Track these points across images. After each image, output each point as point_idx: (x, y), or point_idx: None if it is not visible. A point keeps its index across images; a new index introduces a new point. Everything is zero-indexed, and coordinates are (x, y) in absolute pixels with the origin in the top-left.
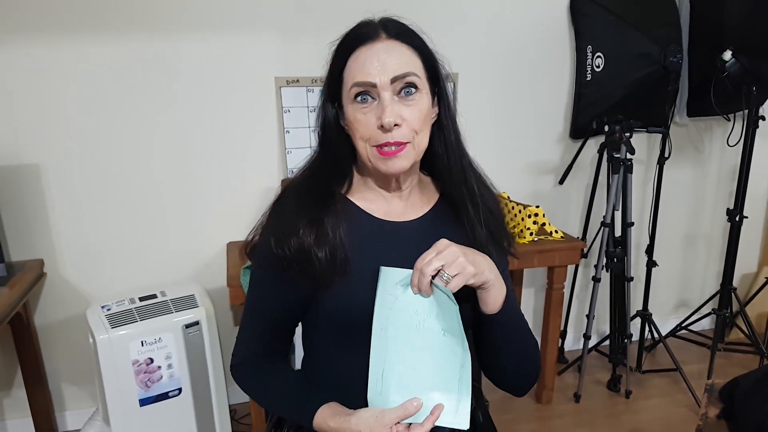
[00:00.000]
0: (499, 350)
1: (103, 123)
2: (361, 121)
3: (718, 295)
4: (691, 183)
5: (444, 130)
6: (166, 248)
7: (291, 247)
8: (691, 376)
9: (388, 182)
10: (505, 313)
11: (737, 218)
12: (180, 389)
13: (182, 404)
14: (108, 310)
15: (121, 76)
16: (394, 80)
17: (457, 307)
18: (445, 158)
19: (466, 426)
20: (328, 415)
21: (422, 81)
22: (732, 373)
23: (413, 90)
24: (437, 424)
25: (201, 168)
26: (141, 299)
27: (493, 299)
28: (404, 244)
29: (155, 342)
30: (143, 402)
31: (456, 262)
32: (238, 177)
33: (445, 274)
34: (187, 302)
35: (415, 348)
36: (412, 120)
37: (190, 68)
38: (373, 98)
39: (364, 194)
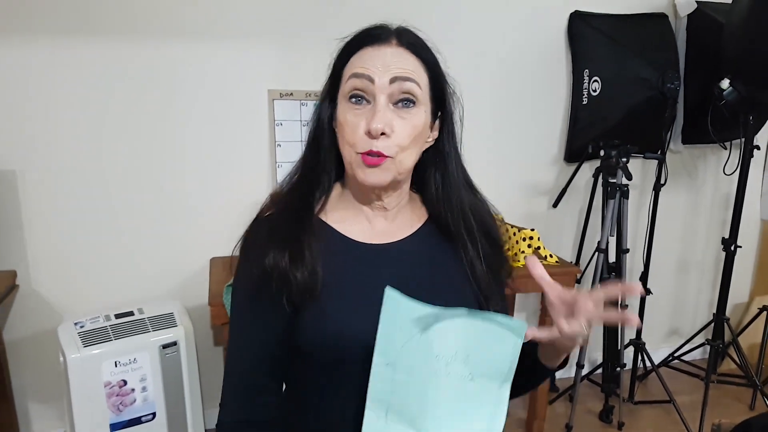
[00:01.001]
0: (522, 379)
1: (85, 130)
2: (351, 123)
3: (711, 325)
4: (684, 210)
5: (445, 159)
6: (146, 262)
7: (267, 266)
8: (683, 407)
9: (369, 197)
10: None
11: (732, 248)
12: (154, 414)
13: (156, 430)
14: (81, 327)
15: (106, 82)
16: (393, 80)
17: (521, 341)
18: (440, 188)
19: None
20: None
21: (423, 95)
22: (725, 404)
23: (411, 103)
24: None
25: (186, 179)
26: (117, 316)
27: (557, 359)
28: (388, 268)
29: (130, 363)
30: (114, 427)
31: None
32: (226, 190)
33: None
34: (165, 321)
35: (431, 397)
36: (401, 133)
37: (179, 77)
38: (368, 101)
39: (342, 213)
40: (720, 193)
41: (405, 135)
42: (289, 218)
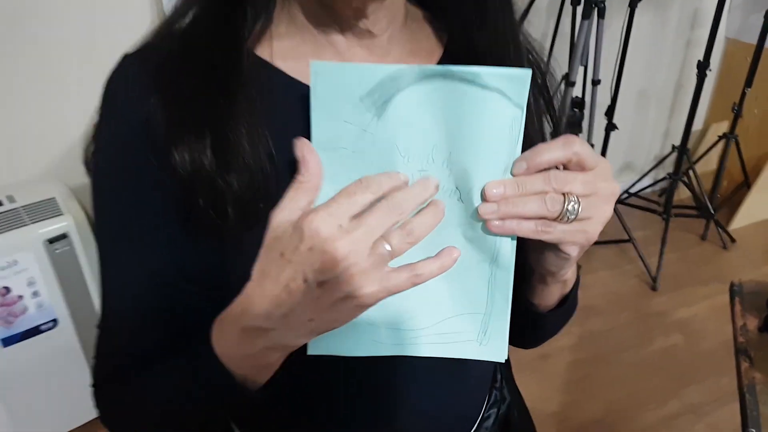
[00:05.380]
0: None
1: None
2: None
3: (669, 157)
4: (648, 32)
5: None
6: (12, 134)
7: (179, 166)
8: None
9: (342, 14)
10: (554, 314)
11: (706, 71)
12: (55, 320)
13: (61, 337)
14: None
15: None
16: None
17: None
18: None
19: (502, 358)
20: (223, 323)
21: None
22: (680, 239)
23: None
24: (457, 356)
25: (52, 27)
26: None
27: (550, 295)
28: None
29: (9, 266)
30: (7, 342)
31: (603, 195)
32: (102, 34)
33: (572, 203)
34: (45, 208)
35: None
36: None
37: None
38: None
39: (292, 44)
40: (687, 10)
41: None
42: (202, 57)
